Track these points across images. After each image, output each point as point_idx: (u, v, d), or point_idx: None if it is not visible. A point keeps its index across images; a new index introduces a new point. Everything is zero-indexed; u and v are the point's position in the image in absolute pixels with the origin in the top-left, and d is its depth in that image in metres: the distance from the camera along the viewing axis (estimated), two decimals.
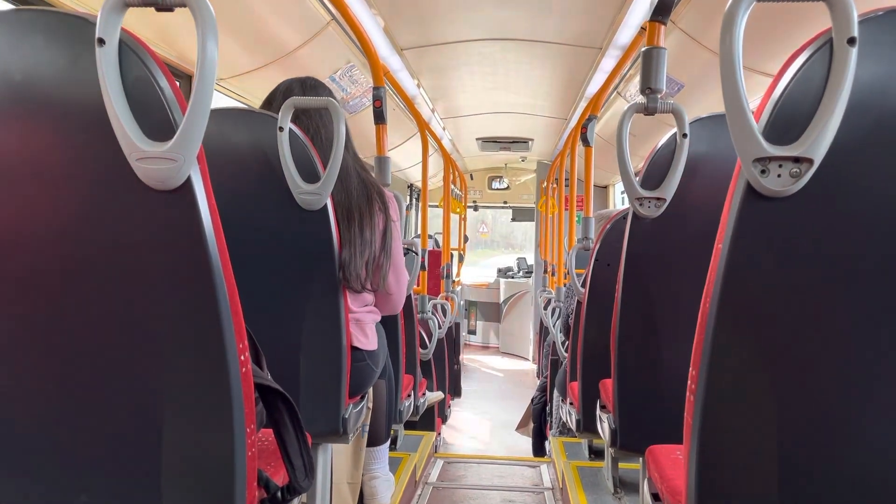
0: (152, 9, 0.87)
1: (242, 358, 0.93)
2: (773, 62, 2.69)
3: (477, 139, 7.01)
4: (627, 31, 3.24)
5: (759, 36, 2.54)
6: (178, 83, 0.88)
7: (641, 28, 2.94)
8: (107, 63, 0.81)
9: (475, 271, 10.57)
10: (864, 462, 0.87)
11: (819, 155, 0.79)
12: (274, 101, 1.73)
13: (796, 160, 0.80)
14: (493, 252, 13.97)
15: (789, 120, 0.80)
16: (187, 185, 0.85)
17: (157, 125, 0.84)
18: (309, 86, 1.76)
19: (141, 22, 2.41)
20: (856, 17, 0.77)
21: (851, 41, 0.77)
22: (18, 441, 0.96)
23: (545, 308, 4.83)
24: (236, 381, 0.91)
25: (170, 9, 0.86)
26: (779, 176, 0.81)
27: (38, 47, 0.85)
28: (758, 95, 0.86)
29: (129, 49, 0.83)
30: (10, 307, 0.92)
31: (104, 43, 0.81)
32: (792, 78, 0.80)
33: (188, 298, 0.90)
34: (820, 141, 0.79)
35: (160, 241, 0.89)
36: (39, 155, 0.87)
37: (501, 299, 9.49)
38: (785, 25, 2.45)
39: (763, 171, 0.81)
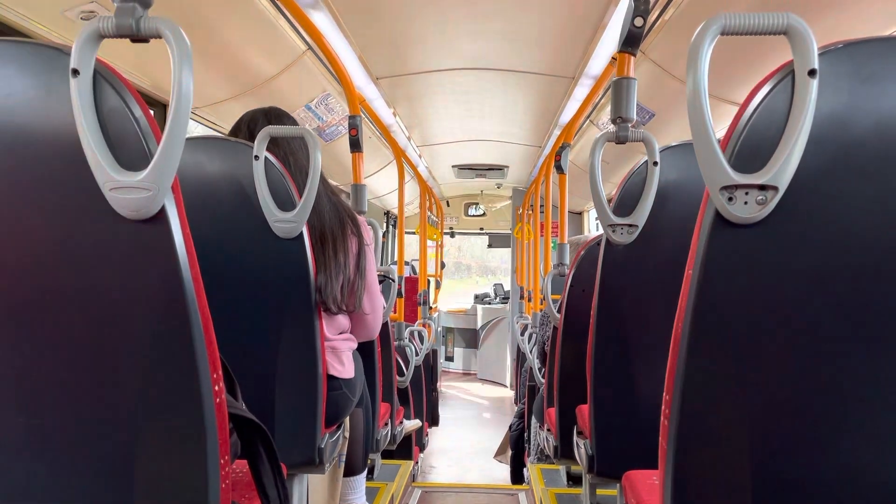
0: (127, 39, 0.87)
1: (217, 388, 0.92)
2: (740, 91, 2.76)
3: (453, 166, 7.05)
4: (599, 60, 3.30)
5: (725, 65, 2.60)
6: (152, 112, 0.88)
7: (612, 58, 3.00)
8: (81, 93, 0.81)
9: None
10: (839, 485, 0.88)
11: (784, 183, 0.82)
12: (239, 132, 1.74)
13: (762, 188, 0.82)
14: (464, 286, 12.26)
15: (754, 149, 0.83)
16: (162, 214, 0.85)
17: (132, 155, 0.84)
18: (273, 115, 1.77)
19: (115, 50, 2.41)
20: (816, 50, 0.80)
21: (812, 73, 0.79)
22: None
23: (522, 334, 4.84)
24: (210, 412, 0.90)
25: (145, 40, 0.87)
26: (745, 203, 0.83)
27: (11, 78, 0.85)
28: (725, 123, 0.88)
29: (104, 79, 0.83)
30: None
31: (78, 73, 0.81)
32: (756, 108, 0.82)
33: (162, 328, 0.89)
34: (784, 169, 0.81)
35: (134, 271, 0.88)
36: (12, 185, 0.87)
37: (479, 325, 9.48)
38: (751, 55, 2.51)
39: (730, 199, 0.83)
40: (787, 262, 0.85)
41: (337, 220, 1.70)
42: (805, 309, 0.85)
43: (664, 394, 0.94)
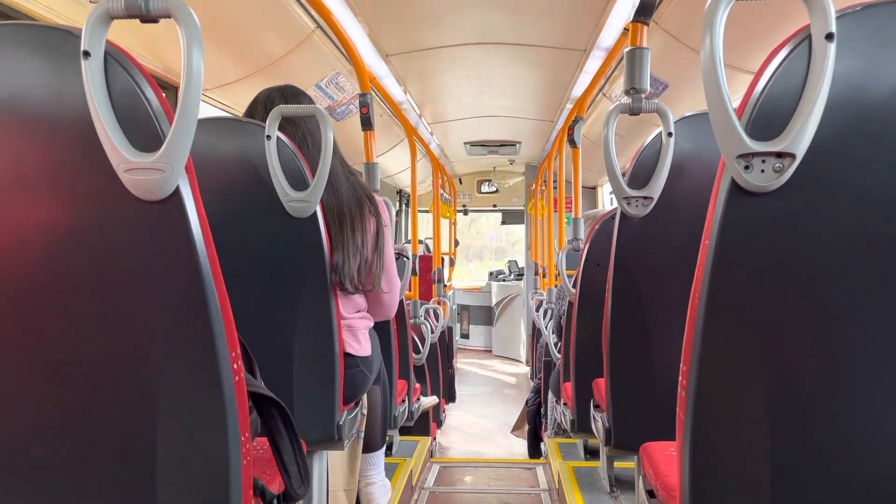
0: (137, 21, 0.87)
1: (235, 366, 0.93)
2: (755, 59, 2.71)
3: (465, 143, 7.02)
4: (610, 32, 3.26)
5: (740, 34, 2.56)
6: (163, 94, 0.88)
7: (624, 29, 2.96)
8: (93, 75, 0.82)
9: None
10: (854, 452, 0.88)
11: (801, 150, 0.80)
12: (255, 111, 1.74)
13: (779, 155, 0.81)
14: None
15: (771, 116, 0.81)
16: (176, 195, 0.86)
17: (145, 136, 0.84)
18: (290, 94, 1.76)
19: (125, 34, 2.40)
20: (833, 13, 0.78)
21: (829, 37, 0.78)
22: (12, 454, 0.95)
23: (537, 310, 4.84)
24: (230, 390, 0.91)
25: (154, 20, 0.86)
26: (762, 171, 0.82)
27: (23, 61, 0.85)
28: (740, 93, 0.87)
29: (115, 61, 0.83)
30: (1, 320, 0.92)
31: (89, 55, 0.81)
32: (772, 74, 0.81)
33: (179, 308, 0.90)
34: (801, 136, 0.80)
35: (150, 252, 0.89)
36: (28, 169, 0.87)
37: (493, 302, 9.50)
38: (766, 23, 2.47)
39: (747, 167, 0.82)
40: (804, 230, 0.84)
41: (355, 200, 1.69)
42: (823, 277, 0.84)
43: (681, 365, 0.93)
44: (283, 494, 1.13)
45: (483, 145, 7.07)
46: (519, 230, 9.79)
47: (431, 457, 3.87)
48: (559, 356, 3.19)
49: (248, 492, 0.97)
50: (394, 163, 6.42)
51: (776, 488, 0.89)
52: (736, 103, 0.83)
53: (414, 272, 3.67)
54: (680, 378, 0.94)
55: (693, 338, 0.90)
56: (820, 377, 0.87)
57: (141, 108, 0.84)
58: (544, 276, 5.67)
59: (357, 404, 1.82)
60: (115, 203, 0.86)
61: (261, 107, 1.73)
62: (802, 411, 0.88)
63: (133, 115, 0.84)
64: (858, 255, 0.84)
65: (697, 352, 0.89)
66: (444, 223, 7.56)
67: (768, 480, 0.89)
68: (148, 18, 0.86)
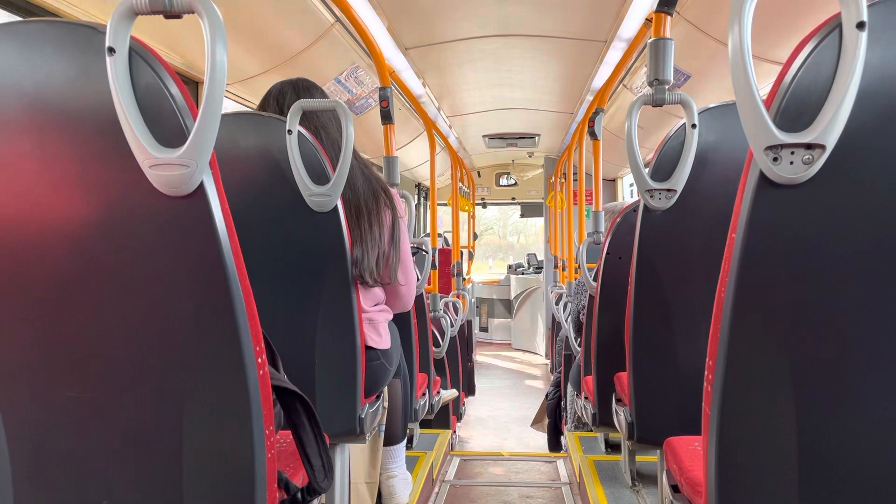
0: (159, 17, 0.87)
1: (259, 360, 0.93)
2: (782, 50, 2.67)
3: (483, 136, 6.99)
4: (631, 22, 3.23)
5: (766, 24, 2.52)
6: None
7: (647, 20, 2.93)
8: (117, 71, 0.82)
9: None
10: (884, 449, 0.86)
11: (831, 141, 0.79)
12: (267, 105, 1.74)
13: (808, 147, 0.79)
14: None
15: (800, 106, 0.80)
16: (200, 190, 0.86)
17: (169, 132, 0.85)
18: (302, 87, 1.76)
19: (146, 31, 2.42)
20: (865, 2, 0.77)
21: (861, 25, 0.76)
22: (40, 449, 0.97)
23: (557, 303, 4.82)
24: (254, 384, 0.92)
25: (178, 16, 0.87)
26: (791, 163, 0.80)
27: (49, 58, 0.86)
28: (767, 83, 0.85)
29: (139, 57, 0.84)
30: (29, 316, 0.93)
31: (114, 52, 0.82)
32: (802, 64, 0.80)
33: (204, 303, 0.90)
34: (832, 127, 0.78)
35: (175, 247, 0.89)
36: (54, 164, 0.88)
37: (512, 296, 9.48)
38: (792, 13, 2.43)
39: (775, 159, 0.80)
40: (834, 223, 0.82)
41: (371, 193, 1.69)
42: (854, 271, 0.83)
43: (707, 359, 0.92)
44: (307, 487, 1.13)
45: (502, 138, 7.04)
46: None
47: (452, 450, 3.88)
48: (579, 350, 3.17)
49: (273, 485, 0.98)
50: (413, 156, 6.42)
51: (804, 483, 0.88)
52: (763, 94, 0.82)
53: (433, 265, 3.67)
54: (706, 373, 0.93)
55: (720, 332, 0.89)
56: (849, 373, 0.86)
57: (165, 103, 0.84)
58: (564, 270, 5.64)
59: (378, 397, 1.83)
60: (140, 199, 0.86)
61: (273, 100, 1.73)
62: (831, 407, 0.87)
63: (157, 111, 0.84)
64: (889, 248, 0.82)
65: (724, 347, 0.88)
66: (463, 216, 7.55)
67: (796, 475, 0.88)
68: (171, 14, 0.86)
